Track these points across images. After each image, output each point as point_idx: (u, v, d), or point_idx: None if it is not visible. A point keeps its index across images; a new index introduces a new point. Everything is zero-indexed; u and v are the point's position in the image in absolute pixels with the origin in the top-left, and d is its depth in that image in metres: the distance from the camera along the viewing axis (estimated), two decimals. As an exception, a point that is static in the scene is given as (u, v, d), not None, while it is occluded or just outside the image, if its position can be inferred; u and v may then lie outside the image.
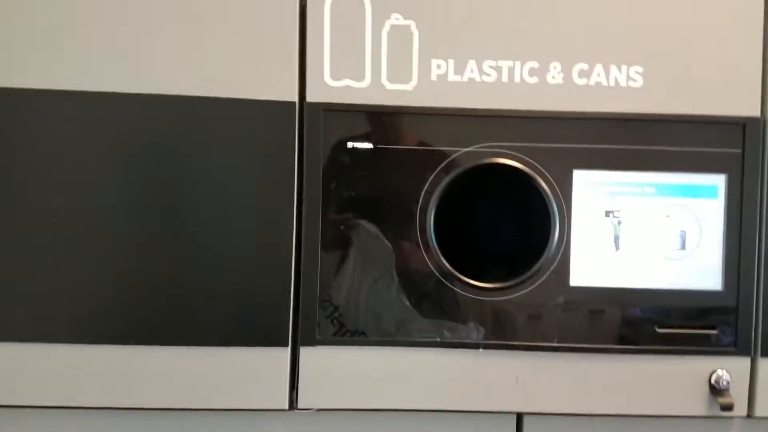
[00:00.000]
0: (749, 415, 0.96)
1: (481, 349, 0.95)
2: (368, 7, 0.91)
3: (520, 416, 0.99)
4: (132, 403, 0.93)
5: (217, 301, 0.92)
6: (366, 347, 0.95)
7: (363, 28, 0.91)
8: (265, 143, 0.92)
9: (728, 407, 0.93)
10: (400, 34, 0.92)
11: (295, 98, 0.92)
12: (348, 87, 0.92)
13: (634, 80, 0.95)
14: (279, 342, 0.93)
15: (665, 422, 0.98)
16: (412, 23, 0.92)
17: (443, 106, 0.93)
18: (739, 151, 0.96)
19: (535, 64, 0.94)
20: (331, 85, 0.92)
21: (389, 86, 0.93)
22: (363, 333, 0.95)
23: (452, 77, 0.93)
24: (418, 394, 0.95)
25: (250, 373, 0.93)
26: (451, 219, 0.95)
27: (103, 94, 0.90)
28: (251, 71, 0.91)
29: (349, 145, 0.93)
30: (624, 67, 0.95)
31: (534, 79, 0.94)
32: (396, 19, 0.91)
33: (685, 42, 0.95)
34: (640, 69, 0.95)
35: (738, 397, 0.95)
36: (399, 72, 0.93)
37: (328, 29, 0.91)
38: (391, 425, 0.99)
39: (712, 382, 0.95)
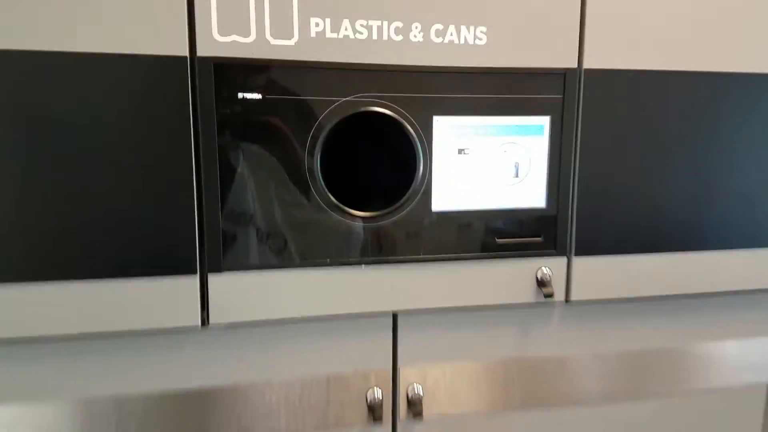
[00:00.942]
0: (567, 300, 1.08)
1: (363, 266, 0.98)
2: (250, -33, 0.85)
3: (395, 314, 1.04)
4: (51, 331, 0.87)
5: (131, 239, 0.87)
6: (267, 271, 0.95)
7: (246, -13, 0.85)
8: (159, 95, 0.85)
9: (550, 295, 1.05)
10: (281, -5, 0.87)
11: (186, 53, 0.85)
12: (235, 42, 0.87)
13: (480, 39, 0.97)
14: (189, 271, 0.90)
15: (507, 310, 1.09)
16: (291, -16, 0.87)
17: (322, 60, 0.91)
18: (561, 96, 1.02)
19: (399, 24, 0.94)
20: (219, 40, 0.86)
21: (273, 41, 0.89)
22: (264, 259, 0.94)
23: (329, 34, 0.92)
24: (313, 304, 0.98)
25: (167, 298, 0.90)
26: (337, 160, 0.95)
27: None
28: (143, 28, 0.83)
29: (239, 95, 0.89)
30: (472, 28, 0.97)
31: (399, 38, 0.94)
32: (276, -21, 0.86)
33: (520, 7, 0.97)
34: (484, 29, 0.97)
35: (557, 287, 1.06)
36: (281, 28, 0.89)
37: (213, -12, 0.84)
38: (291, 331, 1.01)
39: (538, 277, 1.06)
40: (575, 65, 1.02)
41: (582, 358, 1.15)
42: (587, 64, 1.02)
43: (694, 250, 1.12)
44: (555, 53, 1.01)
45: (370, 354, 1.06)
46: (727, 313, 1.20)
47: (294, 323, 1.00)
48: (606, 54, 1.03)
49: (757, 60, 1.09)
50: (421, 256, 1.01)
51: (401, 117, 0.96)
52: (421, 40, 0.95)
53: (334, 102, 0.93)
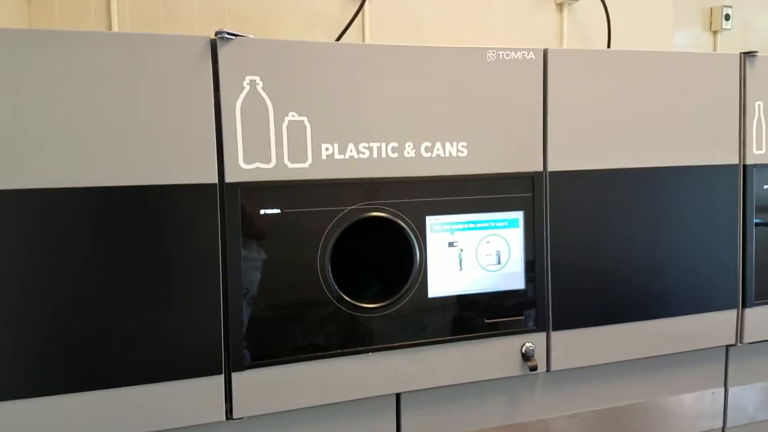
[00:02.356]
0: (548, 370, 1.21)
1: (369, 354, 1.08)
2: (270, 106, 0.98)
3: (398, 396, 1.14)
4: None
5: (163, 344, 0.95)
6: (283, 366, 1.03)
7: (267, 123, 0.98)
8: (193, 219, 0.95)
9: (534, 368, 1.17)
10: (296, 127, 1.00)
11: (216, 180, 0.96)
12: (258, 168, 0.98)
13: (462, 151, 1.13)
14: (214, 371, 0.98)
15: (497, 382, 1.20)
16: (305, 118, 1.00)
17: (331, 178, 1.03)
18: (531, 194, 1.18)
19: (395, 144, 1.08)
20: (245, 168, 0.97)
21: (290, 166, 1.00)
22: (280, 355, 1.03)
23: (337, 156, 1.04)
24: (326, 392, 1.07)
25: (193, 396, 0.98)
26: (347, 260, 1.06)
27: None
28: (179, 161, 0.94)
29: (261, 212, 1.00)
30: (455, 143, 1.12)
31: (395, 155, 1.08)
32: (292, 116, 0.99)
33: (493, 124, 1.13)
34: (465, 143, 1.12)
35: (540, 359, 1.19)
36: (297, 154, 1.01)
37: (239, 125, 0.96)
38: (306, 418, 1.08)
39: (523, 351, 1.18)
40: (541, 169, 1.19)
41: (563, 419, 1.27)
42: (551, 168, 1.19)
43: (651, 318, 1.27)
44: (524, 160, 1.17)
45: (378, 432, 1.15)
46: (683, 369, 1.35)
47: (307, 411, 1.08)
48: (566, 158, 1.20)
49: (687, 155, 1.29)
50: (421, 340, 1.12)
51: (399, 219, 1.10)
52: (413, 155, 1.09)
53: (341, 210, 1.06)
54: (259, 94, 0.98)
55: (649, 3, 2.05)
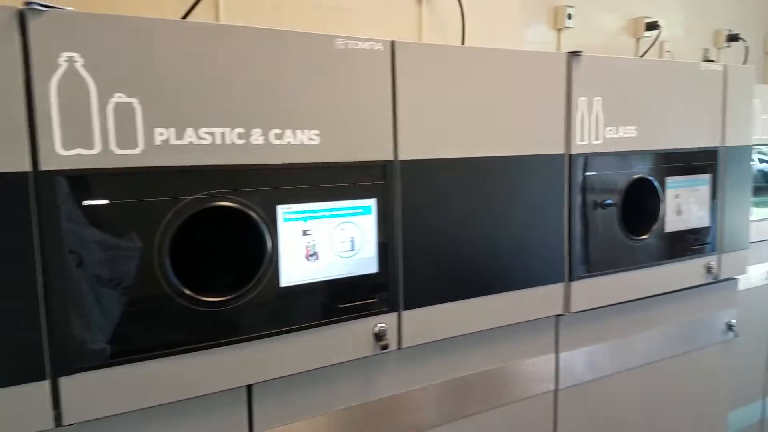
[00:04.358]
0: (399, 347, 1.24)
1: (217, 348, 1.02)
2: (92, 86, 0.87)
3: (249, 387, 1.11)
4: None
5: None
6: (120, 366, 0.95)
7: (88, 105, 0.87)
8: (1, 212, 0.82)
9: (386, 346, 1.20)
10: (123, 110, 0.90)
11: (28, 167, 0.84)
12: (80, 155, 0.87)
13: (313, 140, 1.10)
14: (38, 377, 0.88)
15: (351, 364, 1.21)
16: (134, 100, 0.91)
17: (169, 165, 0.96)
18: (383, 182, 1.19)
19: (241, 130, 1.02)
20: (63, 154, 0.86)
21: (118, 152, 0.91)
22: (117, 355, 0.94)
23: (174, 141, 0.96)
24: (171, 390, 1.00)
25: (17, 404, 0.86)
26: (192, 252, 0.99)
27: None
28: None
29: (85, 203, 0.89)
30: (306, 131, 1.09)
31: (242, 141, 1.02)
32: (119, 97, 0.90)
33: (343, 115, 1.12)
34: (317, 132, 1.10)
35: (392, 338, 1.21)
36: (126, 140, 0.92)
37: (55, 107, 0.85)
38: (150, 419, 1.01)
39: (375, 332, 1.20)
40: (392, 158, 1.20)
41: (415, 392, 1.33)
42: (401, 156, 1.21)
43: (492, 293, 1.36)
44: (376, 149, 1.17)
45: (226, 428, 1.10)
46: (520, 338, 1.47)
47: (151, 411, 1.01)
48: (415, 148, 1.22)
49: (522, 145, 1.38)
50: (272, 330, 1.09)
51: (247, 208, 1.05)
52: (262, 142, 1.04)
53: (181, 200, 0.98)
54: (79, 72, 0.86)
55: (500, 1, 2.17)
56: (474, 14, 2.03)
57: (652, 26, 2.74)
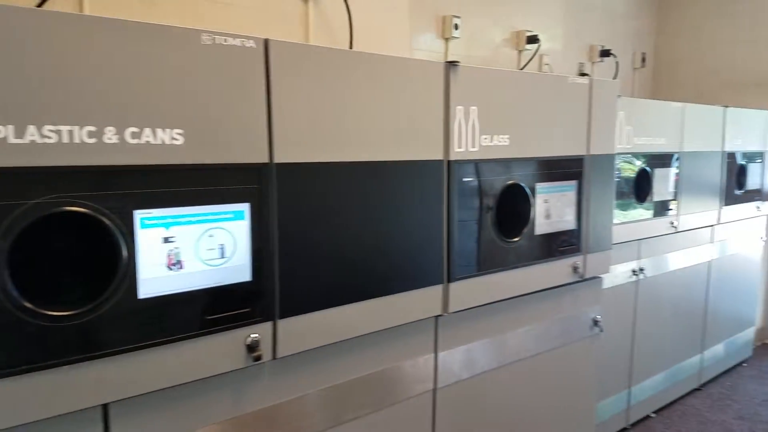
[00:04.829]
0: (274, 358, 1.24)
1: (66, 366, 0.96)
2: None
3: (105, 407, 1.05)
4: None
5: None
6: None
7: None
8: None
9: (258, 358, 1.19)
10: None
11: None
12: None
13: (177, 139, 1.06)
14: None
15: (221, 378, 1.19)
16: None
17: (5, 166, 0.88)
18: (257, 186, 1.18)
19: (92, 128, 0.97)
20: None
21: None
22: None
23: (13, 140, 0.89)
24: (15, 413, 0.93)
25: None
26: (38, 261, 0.93)
27: None
28: None
29: None
30: (168, 130, 1.05)
31: (92, 140, 0.97)
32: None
33: (211, 114, 1.10)
34: (181, 131, 1.06)
35: (266, 348, 1.21)
36: (-52, 137, 0.83)
37: None
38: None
39: (248, 343, 1.19)
40: (267, 160, 1.19)
41: (290, 403, 1.32)
42: (278, 159, 1.21)
43: (372, 297, 1.40)
44: (249, 151, 1.16)
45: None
46: (400, 341, 1.53)
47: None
48: (293, 150, 1.22)
49: (404, 150, 1.44)
50: (130, 346, 1.04)
51: (99, 214, 0.99)
52: (116, 141, 0.99)
53: (21, 205, 0.91)
54: None
55: (388, 7, 2.23)
56: (362, 20, 2.08)
57: (533, 39, 2.98)
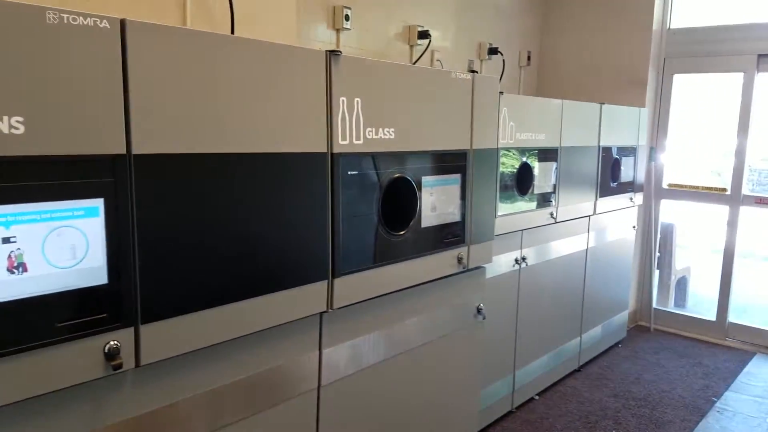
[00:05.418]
0: (138, 366, 1.19)
1: None
2: None
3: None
4: None
5: None
6: None
7: None
8: None
9: (119, 366, 1.15)
10: None
11: None
12: None
13: (16, 128, 0.99)
14: None
15: (78, 389, 1.13)
16: None
17: None
18: (112, 179, 1.12)
19: None
20: None
21: None
22: None
23: None
24: None
25: None
26: None
27: None
28: None
29: None
30: (6, 117, 0.97)
31: None
32: None
33: (58, 100, 1.04)
34: (21, 119, 0.99)
35: (127, 356, 1.16)
36: None
37: None
38: None
39: (107, 350, 1.14)
40: (124, 151, 1.14)
41: (158, 412, 1.28)
42: (137, 150, 1.15)
43: (251, 296, 1.40)
44: (102, 141, 1.10)
45: None
46: (280, 340, 1.53)
47: None
48: (156, 141, 1.18)
49: (285, 142, 1.44)
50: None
51: None
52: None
53: None
54: None
55: None
56: (244, 8, 2.03)
57: (424, 35, 3.10)
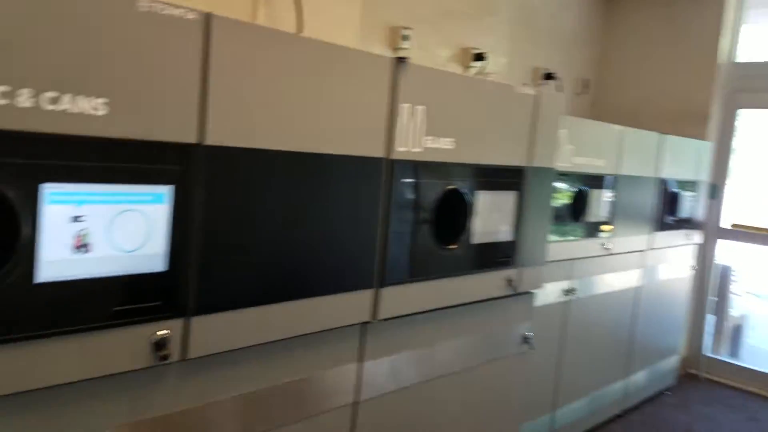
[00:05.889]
0: (184, 359, 1.22)
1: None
2: None
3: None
4: None
5: None
6: None
7: None
8: None
9: (165, 357, 1.17)
10: None
11: None
12: None
13: (99, 109, 1.05)
14: None
15: (123, 377, 1.15)
16: None
17: None
18: (181, 167, 1.17)
19: (6, 88, 0.93)
20: None
21: None
22: None
23: None
24: None
25: None
26: None
27: None
28: None
29: None
30: (91, 98, 1.03)
31: (4, 101, 0.93)
32: None
33: (140, 85, 1.09)
34: (105, 100, 1.04)
35: (175, 347, 1.19)
36: None
37: None
38: None
39: (155, 341, 1.17)
40: (196, 141, 1.18)
41: (201, 409, 1.30)
42: (210, 141, 1.20)
43: (296, 299, 1.42)
44: (178, 130, 1.15)
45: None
46: (321, 347, 1.54)
47: None
48: (228, 133, 1.22)
49: (343, 144, 1.47)
50: (20, 335, 0.99)
51: (-1, 182, 0.95)
52: (30, 105, 0.95)
53: None
54: None
55: (339, 16, 2.29)
56: (312, 29, 2.11)
57: (480, 57, 3.16)
